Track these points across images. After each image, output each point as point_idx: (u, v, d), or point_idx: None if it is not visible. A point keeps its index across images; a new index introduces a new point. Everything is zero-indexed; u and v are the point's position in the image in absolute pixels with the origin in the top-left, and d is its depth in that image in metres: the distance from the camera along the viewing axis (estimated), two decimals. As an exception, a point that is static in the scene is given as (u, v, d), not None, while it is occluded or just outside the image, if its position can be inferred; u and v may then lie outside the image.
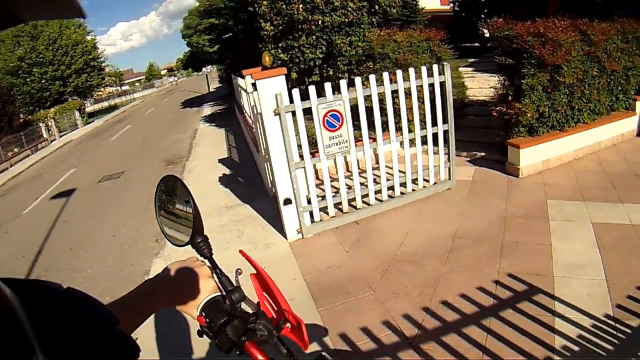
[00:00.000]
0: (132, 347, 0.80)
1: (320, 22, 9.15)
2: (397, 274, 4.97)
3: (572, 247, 5.13)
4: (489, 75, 12.09)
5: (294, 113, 5.39)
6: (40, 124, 25.36)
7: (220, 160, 11.51)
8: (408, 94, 6.18)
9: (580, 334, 3.77)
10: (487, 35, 16.30)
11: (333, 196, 6.02)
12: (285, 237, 6.00)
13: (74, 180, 13.79)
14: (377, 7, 10.10)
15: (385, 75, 5.88)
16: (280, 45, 9.57)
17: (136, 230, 8.06)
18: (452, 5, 21.92)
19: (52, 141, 25.26)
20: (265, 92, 5.21)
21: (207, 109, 26.25)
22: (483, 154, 8.20)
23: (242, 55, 15.79)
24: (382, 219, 6.24)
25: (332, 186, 6.21)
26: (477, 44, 19.73)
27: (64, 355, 0.67)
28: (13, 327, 0.60)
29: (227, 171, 10.33)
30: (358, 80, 5.68)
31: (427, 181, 6.70)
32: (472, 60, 16.24)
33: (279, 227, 6.27)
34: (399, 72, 6.00)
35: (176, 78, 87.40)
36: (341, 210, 6.19)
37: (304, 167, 5.62)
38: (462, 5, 21.06)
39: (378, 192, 6.34)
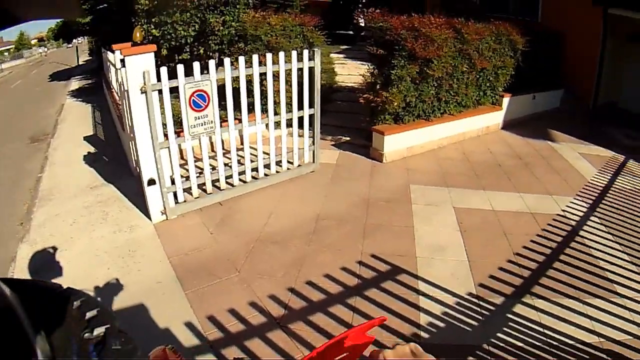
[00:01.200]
0: (132, 346, 0.78)
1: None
2: (261, 254, 5.08)
3: (435, 229, 5.48)
4: (360, 63, 12.52)
5: (160, 92, 5.27)
6: None
7: (85, 138, 10.93)
8: (277, 77, 6.27)
9: (445, 312, 4.06)
10: (362, 24, 16.78)
11: (197, 177, 6.01)
12: (150, 218, 5.88)
13: None
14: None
15: (255, 57, 5.92)
16: (153, 20, 9.23)
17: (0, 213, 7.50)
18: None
19: None
20: (134, 69, 5.04)
21: (75, 83, 24.67)
22: (348, 138, 8.51)
23: (115, 28, 15.06)
24: (246, 200, 6.32)
25: (197, 167, 6.18)
26: (351, 32, 20.21)
27: (64, 355, 0.67)
28: (13, 327, 0.59)
29: (92, 149, 9.86)
30: (227, 61, 5.67)
31: (292, 163, 6.88)
32: (345, 47, 16.59)
33: (144, 208, 6.12)
34: (269, 55, 6.11)
35: (46, 49, 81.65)
36: (205, 191, 6.18)
37: (169, 147, 5.53)
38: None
39: (242, 173, 6.41)
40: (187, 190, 6.04)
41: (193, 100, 5.39)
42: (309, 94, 6.53)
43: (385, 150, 7.40)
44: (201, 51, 9.65)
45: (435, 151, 8.04)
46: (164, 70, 5.20)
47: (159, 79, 5.21)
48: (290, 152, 6.79)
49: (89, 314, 0.77)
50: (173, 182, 5.73)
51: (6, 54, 77.80)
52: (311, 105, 6.62)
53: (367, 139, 7.89)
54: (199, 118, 5.53)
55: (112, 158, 8.94)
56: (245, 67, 5.86)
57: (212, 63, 5.49)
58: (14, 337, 0.60)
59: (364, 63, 9.87)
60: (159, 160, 5.43)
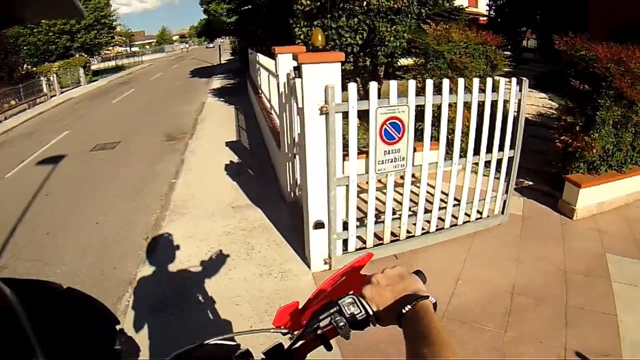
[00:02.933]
0: (132, 346, 0.93)
1: (365, 3, 7.87)
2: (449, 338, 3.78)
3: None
4: (528, 90, 10.84)
5: (344, 114, 4.13)
6: (42, 78, 23.97)
7: (228, 144, 10.18)
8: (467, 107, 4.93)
9: None
10: (525, 45, 15.13)
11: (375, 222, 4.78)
12: (308, 265, 4.78)
13: (66, 144, 12.50)
14: (428, -4, 8.85)
15: (461, 82, 4.59)
16: (314, 23, 8.27)
17: (125, 220, 6.85)
18: (488, 9, 20.63)
19: (51, 97, 23.87)
20: (313, 82, 3.91)
21: (217, 82, 24.91)
22: (531, 183, 7.03)
23: (265, 29, 14.46)
24: (426, 255, 5.01)
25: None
26: (509, 53, 18.50)
27: (64, 355, 0.72)
28: (13, 327, 0.64)
29: (235, 158, 9.05)
30: (429, 83, 4.37)
31: (480, 213, 5.49)
32: (507, 70, 14.88)
33: (299, 247, 5.09)
34: (476, 81, 4.77)
35: (187, 45, 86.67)
36: (381, 239, 4.94)
37: (348, 185, 4.36)
38: (500, 11, 19.80)
39: (426, 221, 5.10)
40: (360, 238, 4.88)
41: (385, 129, 4.17)
42: (511, 132, 5.14)
43: (578, 206, 5.95)
44: (367, 62, 8.51)
45: (622, 208, 6.41)
46: (352, 87, 4.02)
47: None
48: (482, 199, 5.44)
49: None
50: (345, 227, 4.55)
51: (148, 47, 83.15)
52: (511, 146, 5.22)
53: (552, 187, 6.52)
54: (389, 152, 4.30)
55: (259, 173, 8.02)
56: (433, 93, 4.53)
57: (412, 83, 4.23)
58: (14, 337, 0.63)
59: (532, 90, 8.32)
60: (333, 200, 4.26)
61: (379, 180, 4.57)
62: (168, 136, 12.07)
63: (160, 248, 5.63)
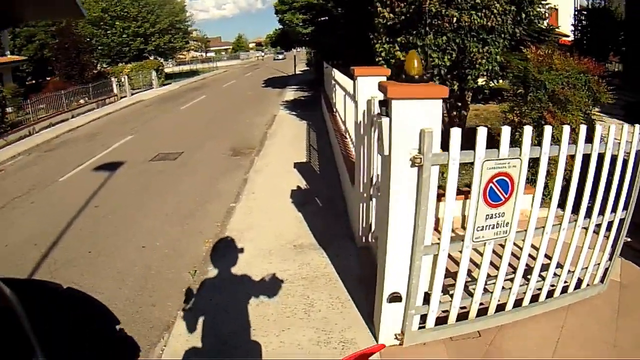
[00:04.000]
0: (132, 346, 0.84)
1: (455, 20, 6.97)
2: None
3: None
4: (617, 122, 9.45)
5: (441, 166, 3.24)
6: (112, 79, 24.26)
7: (296, 165, 9.45)
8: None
9: None
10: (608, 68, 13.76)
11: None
12: (375, 337, 3.92)
13: (127, 150, 12.31)
14: (523, 15, 7.84)
15: (583, 130, 3.61)
16: (398, 40, 7.43)
17: (172, 247, 6.29)
18: (573, 29, 19.25)
19: (121, 98, 24.24)
20: (405, 122, 3.04)
21: (290, 93, 24.49)
22: (628, 239, 5.83)
23: (342, 42, 13.77)
24: (513, 332, 3.98)
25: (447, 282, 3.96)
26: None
27: (64, 355, 0.76)
28: (13, 327, 0.67)
29: (303, 183, 8.30)
30: (548, 130, 3.43)
31: (580, 281, 4.43)
32: (609, 102, 13.41)
33: (366, 308, 4.27)
34: (598, 129, 3.78)
35: (262, 54, 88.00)
36: (465, 314, 3.98)
37: (436, 255, 3.47)
38: (585, 32, 18.50)
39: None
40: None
41: (491, 188, 3.26)
42: (628, 189, 4.10)
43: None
44: (455, 87, 7.59)
45: None
46: (456, 133, 3.13)
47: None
48: (584, 267, 4.35)
49: None
50: (426, 300, 3.67)
51: (223, 53, 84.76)
52: (625, 206, 4.18)
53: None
54: (491, 217, 3.37)
55: (327, 204, 7.22)
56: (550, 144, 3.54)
57: (528, 132, 3.29)
58: (15, 337, 0.64)
59: (622, 122, 7.15)
60: (417, 272, 3.39)
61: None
62: (234, 150, 11.52)
63: (207, 289, 4.97)
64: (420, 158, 3.03)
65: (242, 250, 5.77)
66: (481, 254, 3.66)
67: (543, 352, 3.77)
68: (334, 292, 4.69)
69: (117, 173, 10.01)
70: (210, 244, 6.13)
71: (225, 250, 5.84)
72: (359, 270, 5.00)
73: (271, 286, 4.85)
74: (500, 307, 4.02)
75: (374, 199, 4.94)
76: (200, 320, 4.36)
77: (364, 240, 5.43)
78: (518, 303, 4.09)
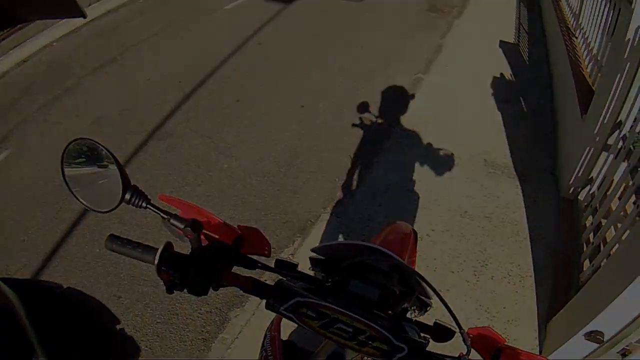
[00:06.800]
0: (132, 346, 0.75)
1: None
2: None
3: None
4: None
5: None
6: None
7: (501, 45, 7.63)
8: None
9: None
10: None
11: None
12: (539, 349, 2.95)
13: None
14: None
15: None
16: None
17: (337, 116, 5.30)
18: None
19: None
20: None
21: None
22: None
23: None
24: None
25: None
26: None
27: (63, 355, 0.75)
28: (13, 327, 0.67)
29: (508, 73, 6.59)
30: None
31: None
32: None
33: (543, 306, 3.18)
34: None
35: None
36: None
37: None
38: None
39: None
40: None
41: None
42: None
43: None
44: None
45: None
46: None
47: None
48: None
49: None
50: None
51: None
52: None
53: None
54: None
55: (534, 111, 5.69)
56: None
57: None
58: (14, 336, 0.66)
59: None
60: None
61: None
62: (431, 5, 9.65)
63: (362, 192, 3.98)
64: None
65: (416, 147, 4.61)
66: None
67: None
68: (517, 256, 3.61)
69: (292, 7, 8.84)
70: (379, 125, 5.04)
71: (394, 142, 4.74)
72: (554, 236, 3.77)
73: (442, 214, 3.73)
74: None
75: (610, 155, 3.37)
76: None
77: (571, 191, 3.94)
78: None
